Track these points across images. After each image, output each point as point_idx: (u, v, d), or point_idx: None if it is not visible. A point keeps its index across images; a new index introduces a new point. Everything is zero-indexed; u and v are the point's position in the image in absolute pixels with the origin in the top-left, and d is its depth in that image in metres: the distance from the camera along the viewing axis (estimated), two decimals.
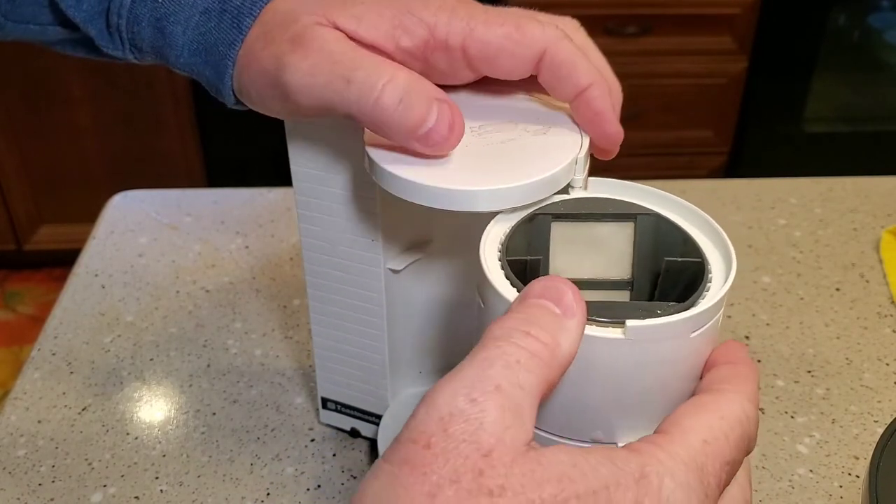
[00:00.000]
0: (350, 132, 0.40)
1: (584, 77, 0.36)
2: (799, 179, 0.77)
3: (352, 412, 0.51)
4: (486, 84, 0.41)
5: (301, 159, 0.43)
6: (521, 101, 0.41)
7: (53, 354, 0.60)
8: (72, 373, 0.59)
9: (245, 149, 1.77)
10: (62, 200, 1.88)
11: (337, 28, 0.34)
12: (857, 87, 1.95)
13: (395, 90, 0.32)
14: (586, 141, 0.38)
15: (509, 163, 0.36)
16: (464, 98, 0.41)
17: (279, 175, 1.90)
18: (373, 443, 0.52)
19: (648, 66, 1.85)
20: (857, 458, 0.52)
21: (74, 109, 1.75)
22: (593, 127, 0.37)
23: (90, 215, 2.07)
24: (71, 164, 1.83)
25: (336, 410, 0.52)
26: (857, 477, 0.51)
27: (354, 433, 0.52)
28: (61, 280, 2.23)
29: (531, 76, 0.37)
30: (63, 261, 2.09)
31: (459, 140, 0.34)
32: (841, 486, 0.50)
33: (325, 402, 0.52)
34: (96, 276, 0.67)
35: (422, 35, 0.35)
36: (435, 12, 0.35)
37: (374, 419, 0.51)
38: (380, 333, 0.47)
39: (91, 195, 1.88)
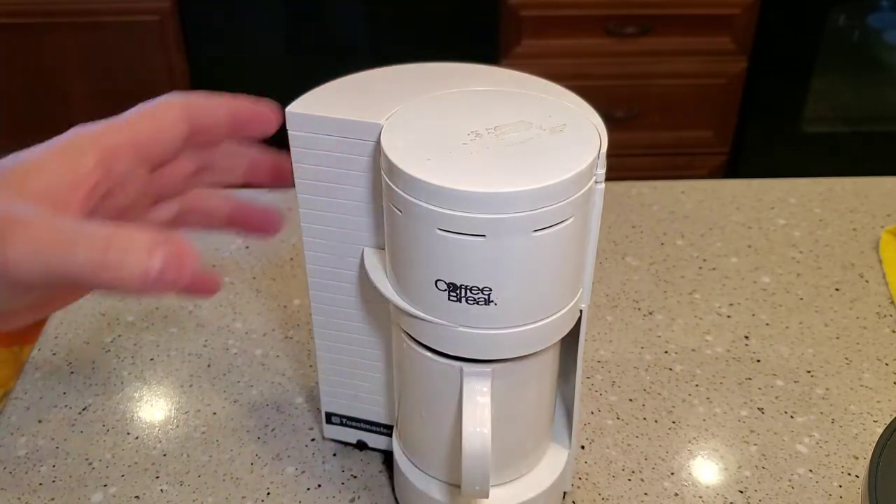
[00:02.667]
0: (357, 145, 0.40)
1: (214, 100, 0.38)
2: (798, 180, 0.78)
3: (358, 424, 0.51)
4: (497, 84, 0.42)
5: (305, 175, 0.43)
6: (532, 98, 0.41)
7: (54, 354, 0.60)
8: (72, 373, 0.59)
9: None
10: None
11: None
12: (857, 88, 1.95)
13: (114, 251, 0.31)
14: (604, 135, 0.38)
15: (531, 163, 0.36)
16: (475, 100, 0.41)
17: None
18: (380, 452, 0.52)
19: (648, 66, 1.85)
20: (857, 458, 0.52)
21: (74, 109, 1.75)
22: (254, 122, 0.39)
23: None
24: None
25: (341, 424, 0.52)
26: (857, 477, 0.51)
27: (361, 445, 0.52)
28: None
29: None
30: None
31: (195, 268, 0.33)
32: (841, 486, 0.50)
33: (329, 416, 0.52)
34: None
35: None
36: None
37: (383, 429, 0.51)
38: (385, 343, 0.47)
39: None
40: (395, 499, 0.50)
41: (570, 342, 0.44)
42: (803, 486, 0.50)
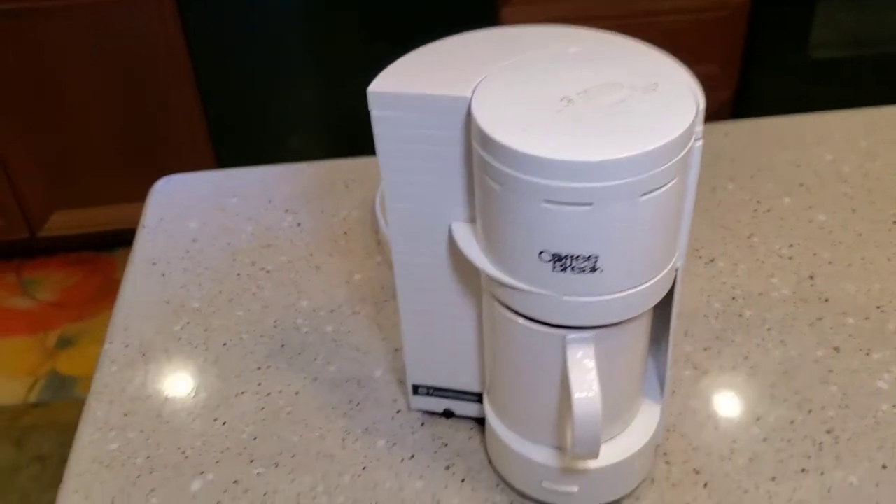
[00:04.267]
0: (443, 120, 0.40)
1: None
2: (840, 112, 0.77)
3: (444, 394, 0.52)
4: (576, 44, 0.41)
5: (388, 148, 0.42)
6: (617, 58, 0.40)
7: (126, 346, 0.60)
8: (148, 363, 0.59)
9: (250, 121, 1.76)
10: (73, 186, 1.87)
11: None
12: (863, 10, 1.93)
13: None
14: (700, 90, 0.38)
15: (632, 127, 0.36)
16: (558, 64, 0.40)
17: (287, 144, 1.89)
18: (466, 419, 0.53)
19: (649, 3, 1.83)
20: None
21: (78, 93, 1.73)
22: None
23: (102, 199, 2.05)
24: (79, 149, 1.81)
25: (427, 395, 0.52)
26: None
27: (448, 414, 0.53)
28: (77, 265, 2.23)
29: None
30: (77, 245, 2.09)
31: None
32: None
33: (416, 388, 0.52)
34: (154, 264, 0.67)
35: None
36: None
37: (470, 397, 0.51)
38: (475, 313, 0.47)
39: (102, 179, 1.87)
40: (491, 464, 0.50)
41: (662, 300, 0.44)
42: (889, 422, 0.51)
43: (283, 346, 0.59)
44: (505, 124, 0.37)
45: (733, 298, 0.60)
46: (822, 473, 0.49)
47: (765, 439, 0.51)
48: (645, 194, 0.36)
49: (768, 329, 0.58)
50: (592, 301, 0.39)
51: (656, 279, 0.40)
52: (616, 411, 0.46)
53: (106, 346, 0.61)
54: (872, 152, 0.72)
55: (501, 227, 0.39)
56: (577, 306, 0.39)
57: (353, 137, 1.76)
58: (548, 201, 0.36)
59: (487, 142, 0.37)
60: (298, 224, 0.70)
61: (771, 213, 0.67)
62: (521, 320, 0.42)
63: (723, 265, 0.63)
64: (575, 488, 0.46)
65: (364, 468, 0.51)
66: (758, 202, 0.68)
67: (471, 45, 0.43)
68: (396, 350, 0.58)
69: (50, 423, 1.73)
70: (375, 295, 0.63)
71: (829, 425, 0.51)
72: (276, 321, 0.61)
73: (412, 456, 0.52)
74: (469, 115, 0.39)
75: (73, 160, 1.83)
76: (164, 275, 0.66)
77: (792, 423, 0.52)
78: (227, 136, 1.79)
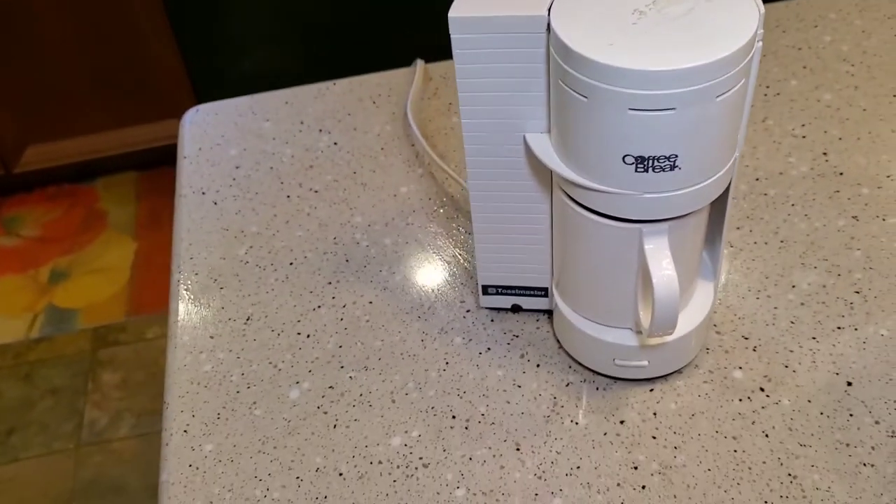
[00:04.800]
0: (521, 39, 0.43)
1: None
2: None
3: (512, 291, 0.56)
4: None
5: (467, 68, 0.45)
6: None
7: (196, 274, 0.64)
8: (222, 288, 0.63)
9: (223, 42, 1.74)
10: (45, 118, 1.84)
11: None
12: None
13: None
14: None
15: (705, 34, 0.39)
16: None
17: (265, 62, 1.85)
18: (532, 312, 0.58)
19: None
20: None
21: (43, 24, 1.69)
22: None
23: (75, 130, 2.03)
24: (48, 81, 1.78)
25: (496, 293, 0.57)
26: None
27: (516, 308, 0.58)
28: (58, 198, 2.21)
29: None
30: (55, 178, 2.07)
31: None
32: None
33: (485, 288, 0.57)
34: (204, 193, 0.70)
35: None
36: None
37: (538, 292, 0.56)
38: (545, 217, 0.51)
39: (73, 110, 1.84)
40: (561, 349, 0.56)
41: None
42: None
43: (347, 260, 0.63)
44: (588, 40, 0.40)
45: (756, 179, 0.65)
46: (856, 329, 0.55)
47: (802, 304, 0.57)
48: (720, 95, 0.40)
49: (792, 205, 0.63)
50: (670, 196, 0.43)
51: (724, 170, 0.44)
52: (683, 291, 0.51)
53: (175, 276, 0.64)
54: (867, 30, 0.77)
55: (586, 135, 0.43)
56: (655, 202, 0.44)
57: (331, 49, 1.75)
58: (633, 109, 0.40)
59: (573, 57, 0.40)
60: (335, 143, 0.73)
61: (780, 96, 0.72)
62: (598, 218, 0.46)
63: (743, 149, 0.68)
64: (646, 362, 0.52)
65: (447, 363, 0.56)
66: (767, 87, 0.73)
67: None
68: (454, 256, 0.63)
69: (57, 357, 1.76)
70: (424, 206, 0.66)
71: (858, 286, 0.57)
72: (335, 238, 0.65)
73: (488, 349, 0.57)
74: (548, 32, 0.42)
75: (43, 93, 1.80)
76: (215, 203, 0.69)
77: (824, 286, 0.58)
78: (200, 59, 1.77)
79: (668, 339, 0.51)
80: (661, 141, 0.41)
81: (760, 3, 0.41)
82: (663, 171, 0.42)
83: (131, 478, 1.57)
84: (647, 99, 0.39)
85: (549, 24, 0.42)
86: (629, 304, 0.50)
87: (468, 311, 0.59)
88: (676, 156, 0.42)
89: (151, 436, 1.62)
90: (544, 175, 0.50)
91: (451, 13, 0.44)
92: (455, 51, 0.45)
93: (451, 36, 0.44)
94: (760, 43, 0.42)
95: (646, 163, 0.42)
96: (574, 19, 0.41)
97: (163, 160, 2.05)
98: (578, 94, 0.41)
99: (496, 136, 0.48)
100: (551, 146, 0.46)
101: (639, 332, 0.51)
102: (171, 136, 1.94)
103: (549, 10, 0.42)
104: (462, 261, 0.62)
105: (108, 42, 1.74)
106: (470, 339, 0.57)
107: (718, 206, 0.50)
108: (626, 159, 0.42)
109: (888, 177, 0.64)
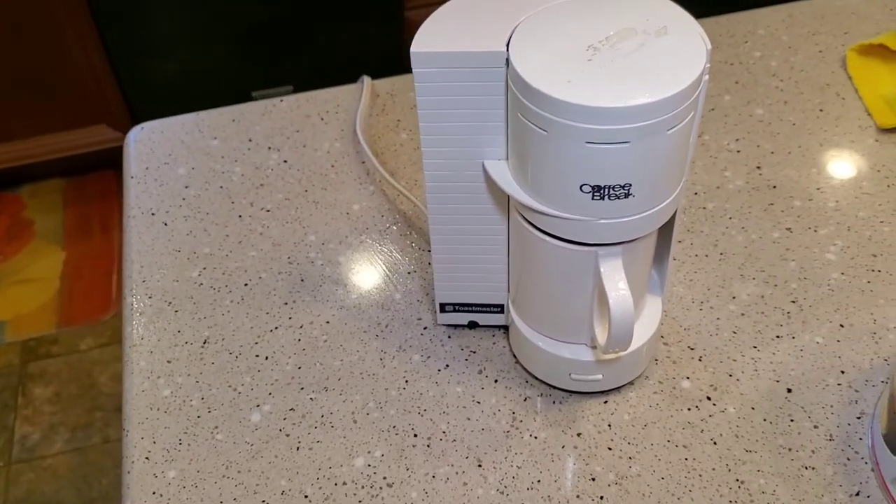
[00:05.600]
0: (481, 73, 0.44)
1: None
2: (759, 10, 0.85)
3: (469, 309, 0.58)
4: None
5: (428, 99, 0.46)
6: (623, 4, 0.45)
7: (150, 297, 0.63)
8: (176, 311, 0.62)
9: (148, 45, 1.70)
10: None
11: None
12: None
13: None
14: (701, 29, 0.43)
15: (658, 71, 0.41)
16: (572, 13, 0.45)
17: (196, 67, 1.82)
18: (488, 328, 0.59)
19: None
20: (876, 256, 0.62)
21: None
22: None
23: None
24: None
25: (453, 311, 0.58)
26: (881, 271, 0.61)
27: (472, 325, 0.59)
28: None
29: None
30: None
31: None
32: (869, 282, 0.61)
33: (443, 306, 0.58)
34: (153, 214, 0.69)
35: None
36: None
37: (494, 308, 0.58)
38: (502, 238, 0.53)
39: None
40: (518, 363, 0.58)
41: None
42: (840, 287, 0.61)
43: (302, 280, 0.64)
44: (547, 76, 0.42)
45: (695, 194, 0.68)
46: (793, 337, 0.58)
47: (742, 314, 0.60)
48: (671, 128, 0.42)
49: (730, 218, 0.66)
50: (624, 221, 0.45)
51: (674, 195, 0.46)
52: (635, 309, 0.53)
53: (128, 300, 0.64)
54: (794, 46, 0.81)
55: (545, 165, 0.44)
56: (611, 227, 0.46)
57: (260, 50, 1.74)
58: (590, 142, 0.42)
59: (533, 93, 0.42)
60: (285, 161, 0.73)
61: (715, 111, 0.75)
62: (556, 241, 0.48)
63: None
64: (600, 376, 0.54)
65: (406, 381, 0.57)
66: None
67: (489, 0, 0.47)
68: (409, 273, 0.64)
69: None
70: (377, 223, 0.67)
71: (793, 296, 0.61)
72: (289, 257, 0.65)
73: (447, 365, 0.58)
74: (506, 66, 0.44)
75: None
76: (166, 224, 0.68)
77: (762, 297, 0.61)
78: (126, 61, 1.73)
79: (622, 353, 0.53)
80: (615, 171, 0.43)
81: (707, 39, 0.44)
82: (618, 198, 0.44)
83: (66, 494, 1.53)
84: (604, 133, 0.41)
85: (507, 59, 0.44)
86: (584, 321, 0.52)
87: (425, 328, 0.60)
88: (630, 184, 0.44)
89: (87, 450, 1.59)
90: (501, 199, 0.51)
91: (414, 48, 0.45)
92: (417, 84, 0.46)
93: (413, 70, 0.45)
94: (706, 77, 0.44)
95: (602, 191, 0.44)
96: (532, 55, 0.43)
97: (90, 167, 2.00)
98: (538, 127, 0.43)
99: (455, 162, 0.50)
100: (509, 172, 0.48)
101: (593, 348, 0.53)
102: (98, 141, 1.90)
103: (508, 44, 0.44)
104: (417, 278, 0.63)
105: (28, 44, 1.69)
106: (428, 357, 0.59)
107: (665, 226, 0.52)
108: (584, 188, 0.44)
109: (818, 189, 0.68)
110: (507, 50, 0.44)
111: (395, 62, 1.79)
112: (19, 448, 1.59)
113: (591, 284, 0.50)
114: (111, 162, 2.02)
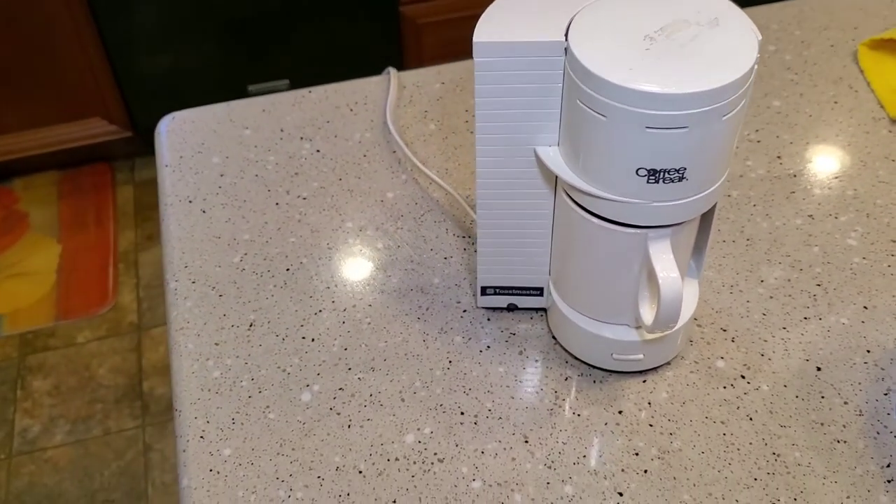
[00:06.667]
0: (539, 61, 0.46)
1: None
2: (772, 6, 0.87)
3: (509, 291, 0.60)
4: None
5: (487, 87, 0.48)
6: None
7: (193, 283, 0.65)
8: (220, 295, 0.64)
9: (143, 38, 1.71)
10: None
11: None
12: None
13: None
14: (750, 21, 0.46)
15: (714, 60, 0.43)
16: (629, 7, 0.47)
17: (190, 60, 1.82)
18: (526, 311, 0.61)
19: None
20: (894, 242, 0.65)
21: None
22: None
23: None
24: None
25: (494, 294, 0.60)
26: None
27: (511, 307, 0.61)
28: None
29: None
30: None
31: None
32: (889, 266, 0.64)
33: (484, 289, 0.60)
34: (191, 202, 0.70)
35: None
36: None
37: (533, 291, 0.59)
38: (547, 222, 0.55)
39: None
40: (558, 344, 0.60)
41: None
42: (862, 271, 0.63)
43: (342, 265, 0.65)
44: (607, 64, 0.44)
45: None
46: (820, 318, 0.61)
47: (771, 297, 0.62)
48: (726, 115, 0.44)
49: (754, 205, 0.69)
50: (676, 204, 0.48)
51: (723, 179, 0.49)
52: None
53: (172, 284, 0.65)
54: (807, 41, 0.83)
55: (602, 150, 0.46)
56: (662, 209, 0.48)
57: (254, 44, 1.75)
58: (650, 127, 0.44)
59: (594, 80, 0.44)
60: (318, 150, 0.74)
61: None
62: (607, 224, 0.50)
63: None
64: (641, 356, 0.56)
65: (450, 361, 0.59)
66: None
67: None
68: (446, 258, 0.66)
69: None
70: (412, 210, 0.69)
71: (818, 279, 0.63)
72: (328, 243, 0.67)
73: (488, 347, 0.60)
74: (565, 55, 0.46)
75: None
76: (204, 211, 0.70)
77: (789, 280, 0.63)
78: (121, 54, 1.73)
79: (666, 333, 0.55)
80: (672, 156, 0.45)
81: (757, 30, 0.46)
82: (672, 182, 0.46)
83: (68, 485, 1.53)
84: (663, 119, 0.43)
85: (566, 49, 0.46)
86: (629, 302, 0.54)
87: (465, 310, 0.62)
88: (685, 168, 0.46)
89: (87, 442, 1.59)
90: (549, 184, 0.53)
91: (476, 38, 0.46)
92: (477, 72, 0.48)
93: (475, 59, 0.47)
94: (756, 66, 0.46)
95: (657, 175, 0.46)
96: (591, 44, 0.45)
97: (85, 159, 1.99)
98: (597, 113, 0.45)
99: (508, 149, 0.51)
100: (561, 158, 0.50)
101: (637, 328, 0.55)
102: (93, 134, 1.90)
103: (566, 34, 0.46)
104: (454, 263, 0.65)
105: (24, 36, 1.68)
106: (469, 338, 0.61)
107: (706, 212, 0.55)
108: (639, 172, 0.46)
109: (836, 178, 0.70)
110: (567, 40, 0.46)
111: (391, 56, 1.80)
112: (20, 440, 1.59)
113: (638, 266, 0.52)
114: (106, 155, 2.02)
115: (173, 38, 1.72)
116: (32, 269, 1.84)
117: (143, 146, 2.00)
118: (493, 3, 0.49)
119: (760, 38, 0.45)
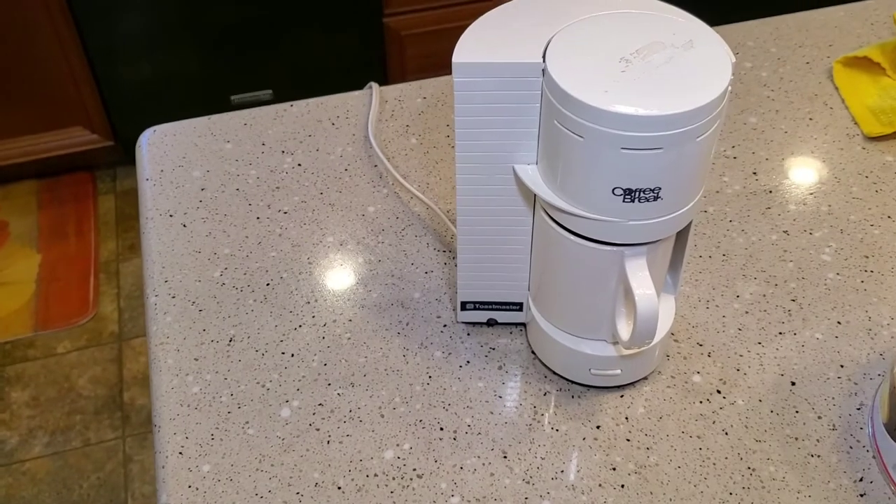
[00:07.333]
0: (517, 82, 0.47)
1: None
2: (749, 23, 0.88)
3: (489, 307, 0.60)
4: (608, 7, 0.48)
5: (466, 107, 0.49)
6: (646, 17, 0.48)
7: (173, 297, 0.65)
8: (201, 310, 0.64)
9: (125, 47, 1.70)
10: None
11: None
12: None
13: None
14: (723, 41, 0.46)
15: (688, 82, 0.44)
16: (605, 29, 0.48)
17: (171, 69, 1.82)
18: (506, 326, 0.62)
19: None
20: (867, 258, 0.66)
21: None
22: None
23: None
24: None
25: (474, 309, 0.61)
26: (873, 272, 0.65)
27: (491, 322, 0.62)
28: None
29: None
30: None
31: None
32: (863, 282, 0.65)
33: (464, 304, 0.60)
34: (171, 216, 0.70)
35: None
36: None
37: (513, 306, 0.60)
38: (526, 238, 0.55)
39: None
40: (536, 359, 0.60)
41: None
42: (836, 287, 0.64)
43: (323, 279, 0.66)
44: (584, 86, 0.44)
45: None
46: (794, 334, 0.62)
47: (746, 312, 0.63)
48: (699, 136, 0.45)
49: (730, 221, 0.69)
50: (651, 223, 0.48)
51: (697, 198, 0.49)
52: None
53: (151, 299, 0.65)
54: (782, 58, 0.84)
55: (578, 170, 0.47)
56: (638, 228, 0.48)
57: (237, 52, 1.75)
58: (626, 148, 0.44)
59: (572, 102, 0.44)
60: (299, 164, 0.75)
61: None
62: (583, 241, 0.51)
63: None
64: (619, 371, 0.57)
65: (430, 377, 0.60)
66: None
67: (525, 10, 0.50)
68: (426, 273, 0.66)
69: None
70: (393, 224, 0.70)
71: (793, 295, 0.64)
72: (308, 258, 0.67)
73: (467, 362, 0.60)
74: (543, 76, 0.46)
75: None
76: (184, 225, 0.70)
77: (764, 296, 0.64)
78: (103, 63, 1.73)
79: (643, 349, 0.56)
80: (647, 176, 0.46)
81: (731, 52, 0.47)
82: (647, 200, 0.47)
83: (46, 498, 1.52)
84: (638, 140, 0.44)
85: (543, 70, 0.46)
86: (606, 318, 0.55)
87: (445, 325, 0.63)
88: (660, 188, 0.46)
89: (66, 454, 1.58)
90: (528, 202, 0.54)
91: (455, 58, 0.47)
92: (456, 91, 0.48)
93: (454, 79, 0.48)
94: (730, 88, 0.47)
95: (633, 194, 0.47)
96: (568, 66, 0.46)
97: (65, 168, 1.98)
98: (574, 133, 0.45)
99: (487, 166, 0.52)
100: (539, 176, 0.51)
101: (614, 343, 0.56)
102: (74, 144, 1.89)
103: (544, 56, 0.47)
104: (435, 277, 0.66)
105: (5, 44, 1.67)
106: (449, 353, 0.61)
107: (682, 229, 0.55)
108: (615, 191, 0.47)
109: (811, 194, 0.71)
110: (544, 61, 0.46)
111: (374, 67, 1.81)
112: None
113: (615, 283, 0.52)
114: (87, 164, 2.01)
115: (156, 48, 1.72)
116: (11, 279, 1.83)
117: (124, 156, 1.99)
118: (474, 23, 0.49)
119: (734, 60, 0.46)
